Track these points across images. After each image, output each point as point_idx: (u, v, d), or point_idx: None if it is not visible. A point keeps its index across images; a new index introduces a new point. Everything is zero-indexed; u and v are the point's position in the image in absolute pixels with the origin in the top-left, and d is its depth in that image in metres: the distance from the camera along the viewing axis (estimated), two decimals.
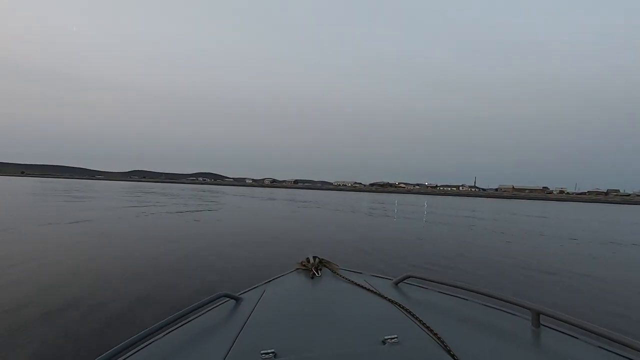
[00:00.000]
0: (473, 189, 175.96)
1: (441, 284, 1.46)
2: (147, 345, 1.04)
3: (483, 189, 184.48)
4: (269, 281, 1.73)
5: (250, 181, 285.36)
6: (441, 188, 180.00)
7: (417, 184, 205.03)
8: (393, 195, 77.37)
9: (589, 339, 1.01)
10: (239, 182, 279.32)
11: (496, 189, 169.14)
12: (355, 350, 0.93)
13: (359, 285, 1.56)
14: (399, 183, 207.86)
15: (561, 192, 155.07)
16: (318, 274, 1.76)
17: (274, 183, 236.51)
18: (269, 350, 0.92)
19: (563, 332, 1.07)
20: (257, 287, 1.64)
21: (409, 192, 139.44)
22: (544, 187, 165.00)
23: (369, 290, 1.49)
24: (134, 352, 0.99)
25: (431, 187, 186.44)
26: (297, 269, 1.90)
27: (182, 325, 1.18)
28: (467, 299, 1.40)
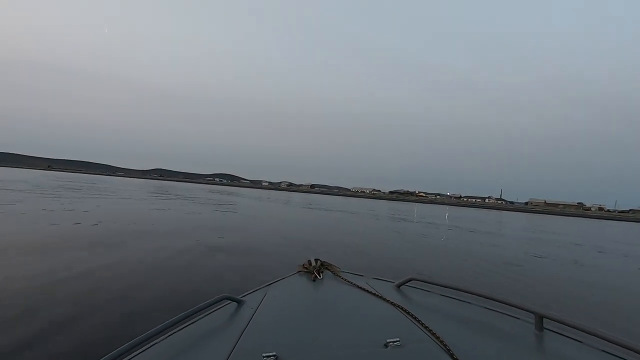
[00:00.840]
0: (499, 202, 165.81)
1: (444, 286, 1.44)
2: (149, 348, 1.03)
3: (511, 202, 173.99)
4: (271, 283, 1.72)
5: (267, 184, 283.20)
6: (465, 199, 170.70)
7: (438, 194, 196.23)
8: (417, 205, 71.16)
9: (592, 343, 1.00)
10: (256, 184, 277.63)
11: (526, 203, 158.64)
12: (357, 353, 0.92)
13: (361, 288, 1.56)
14: (419, 192, 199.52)
15: (600, 209, 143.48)
16: (320, 276, 1.75)
17: (291, 187, 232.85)
18: (271, 354, 0.91)
19: (566, 336, 1.06)
20: (258, 289, 1.62)
21: (431, 202, 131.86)
22: (578, 203, 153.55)
23: (371, 293, 1.48)
24: (137, 354, 0.98)
25: (455, 197, 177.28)
26: (299, 271, 1.88)
27: (184, 328, 1.17)
28: (470, 302, 1.39)
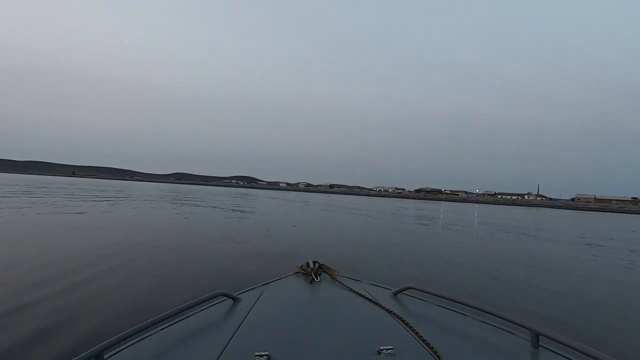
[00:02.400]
0: (540, 198, 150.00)
1: (442, 297, 1.43)
2: (141, 340, 1.02)
3: (553, 199, 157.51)
4: (268, 283, 1.72)
5: (285, 185, 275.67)
6: (500, 196, 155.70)
7: (464, 192, 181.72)
8: (452, 204, 59.79)
9: None
10: (273, 185, 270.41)
11: (572, 199, 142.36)
12: (350, 358, 0.92)
13: (357, 293, 1.55)
14: (445, 190, 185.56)
15: None
16: (317, 279, 1.75)
17: (309, 187, 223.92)
18: (263, 353, 0.91)
19: (562, 355, 1.04)
20: (255, 287, 1.64)
21: (465, 200, 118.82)
22: (633, 198, 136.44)
23: (367, 299, 1.48)
24: (128, 346, 0.98)
25: (489, 195, 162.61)
26: (297, 272, 1.89)
27: (178, 322, 1.18)
28: (466, 315, 1.38)
